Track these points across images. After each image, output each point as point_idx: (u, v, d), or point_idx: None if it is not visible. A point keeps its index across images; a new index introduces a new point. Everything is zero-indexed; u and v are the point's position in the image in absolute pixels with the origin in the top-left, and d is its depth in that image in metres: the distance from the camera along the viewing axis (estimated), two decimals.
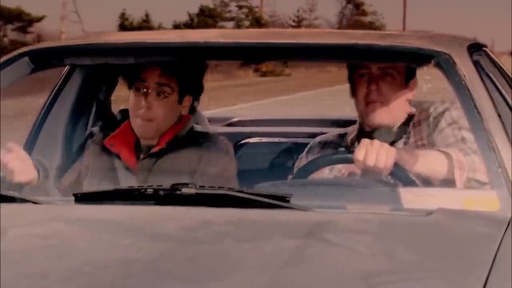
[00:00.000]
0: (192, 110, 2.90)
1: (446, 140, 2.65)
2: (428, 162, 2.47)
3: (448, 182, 2.43)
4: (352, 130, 2.90)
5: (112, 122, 3.21)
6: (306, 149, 2.93)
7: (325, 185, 2.48)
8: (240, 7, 46.14)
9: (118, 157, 2.81)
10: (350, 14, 53.55)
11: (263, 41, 2.50)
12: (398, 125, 2.80)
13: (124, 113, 3.25)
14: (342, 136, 2.93)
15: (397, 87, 2.77)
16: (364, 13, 53.63)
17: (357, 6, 53.32)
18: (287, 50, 2.49)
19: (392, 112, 2.77)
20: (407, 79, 2.80)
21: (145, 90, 2.74)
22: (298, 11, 51.24)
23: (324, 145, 2.92)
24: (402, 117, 2.81)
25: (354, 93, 2.81)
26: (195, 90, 2.85)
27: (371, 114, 2.76)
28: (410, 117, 2.81)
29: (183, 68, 2.75)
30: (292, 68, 33.98)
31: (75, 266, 1.69)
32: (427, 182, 2.44)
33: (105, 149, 2.84)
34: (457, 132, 2.65)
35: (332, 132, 3.01)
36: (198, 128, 2.89)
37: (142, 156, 2.80)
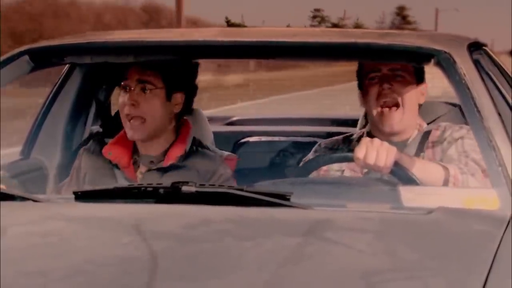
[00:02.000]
0: (188, 109, 2.85)
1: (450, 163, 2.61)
2: (426, 169, 2.45)
3: None
4: (358, 137, 2.86)
5: (111, 124, 3.21)
6: (311, 153, 2.89)
7: (325, 184, 2.48)
8: (315, 17, 63.11)
9: (117, 166, 2.79)
10: (398, 23, 70.65)
11: (265, 40, 2.50)
12: (411, 139, 2.75)
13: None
14: (348, 140, 2.90)
15: (409, 89, 2.72)
16: (409, 23, 71.00)
17: (404, 17, 72.38)
18: (287, 49, 2.48)
19: (405, 115, 2.71)
20: (417, 82, 2.76)
21: (128, 88, 2.73)
22: (358, 19, 70.04)
23: (329, 150, 2.86)
24: (414, 124, 2.78)
25: (365, 100, 2.76)
26: (185, 87, 2.81)
27: (386, 121, 2.70)
28: (425, 134, 2.76)
29: (164, 64, 2.73)
30: None
31: (75, 264, 1.69)
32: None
33: (103, 157, 2.82)
34: (463, 159, 2.62)
35: (337, 137, 2.96)
36: (203, 145, 2.86)
37: (143, 168, 2.79)
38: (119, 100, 2.78)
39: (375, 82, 2.72)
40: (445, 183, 2.44)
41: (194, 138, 2.84)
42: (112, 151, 2.80)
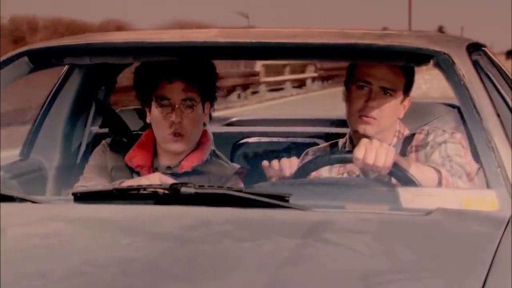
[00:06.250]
0: (210, 118, 2.88)
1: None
2: (422, 171, 2.45)
3: None
4: (343, 144, 2.87)
5: (116, 124, 3.21)
6: (299, 160, 2.89)
7: (324, 185, 2.48)
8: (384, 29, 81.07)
9: (137, 172, 2.79)
10: None
11: (264, 41, 2.50)
12: (394, 144, 2.75)
13: (131, 114, 3.24)
14: (335, 147, 2.90)
15: (393, 105, 2.73)
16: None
17: (441, 32, 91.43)
18: (288, 50, 2.49)
19: (382, 127, 2.73)
20: (403, 98, 2.76)
21: (171, 106, 2.72)
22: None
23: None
24: (391, 132, 2.78)
25: (348, 99, 2.76)
26: (213, 96, 2.84)
27: (362, 126, 2.71)
28: (406, 139, 2.77)
29: (203, 77, 2.75)
30: None
31: (75, 265, 1.69)
32: None
33: (123, 159, 2.82)
34: (447, 163, 2.62)
35: (324, 144, 2.97)
36: (217, 155, 2.87)
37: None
38: (154, 116, 2.75)
39: (362, 94, 2.71)
40: (439, 185, 2.44)
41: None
42: (134, 159, 2.81)
